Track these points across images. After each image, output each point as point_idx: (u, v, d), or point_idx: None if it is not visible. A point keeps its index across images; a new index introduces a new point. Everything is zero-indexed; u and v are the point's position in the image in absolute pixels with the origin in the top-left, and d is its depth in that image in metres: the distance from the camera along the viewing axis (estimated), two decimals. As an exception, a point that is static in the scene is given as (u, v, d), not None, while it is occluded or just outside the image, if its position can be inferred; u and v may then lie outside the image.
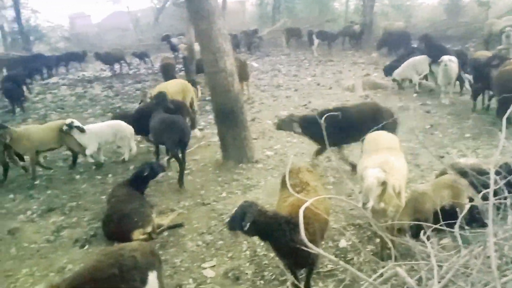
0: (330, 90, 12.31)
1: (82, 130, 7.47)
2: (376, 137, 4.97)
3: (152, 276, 3.19)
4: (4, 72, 15.12)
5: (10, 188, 7.39)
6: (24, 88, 13.26)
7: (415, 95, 11.05)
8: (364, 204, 3.69)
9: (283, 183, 4.45)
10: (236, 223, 3.53)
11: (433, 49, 11.46)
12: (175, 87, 9.41)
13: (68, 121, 7.55)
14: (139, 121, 7.90)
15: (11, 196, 7.05)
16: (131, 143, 8.03)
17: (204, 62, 7.12)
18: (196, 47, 13.51)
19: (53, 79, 17.60)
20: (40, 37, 22.40)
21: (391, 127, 5.82)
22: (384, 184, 3.89)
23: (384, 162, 4.18)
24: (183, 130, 6.72)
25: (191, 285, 4.50)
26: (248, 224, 3.28)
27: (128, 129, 7.91)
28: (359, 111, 6.64)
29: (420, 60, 11.17)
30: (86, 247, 5.37)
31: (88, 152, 7.68)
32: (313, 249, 2.31)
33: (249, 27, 23.52)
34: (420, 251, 2.89)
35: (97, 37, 24.62)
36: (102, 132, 7.76)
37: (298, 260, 3.64)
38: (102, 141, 7.81)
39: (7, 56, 18.11)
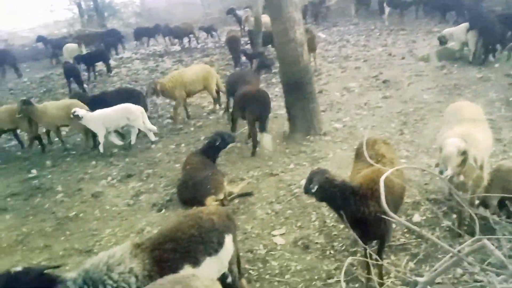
0: (403, 60, 11.70)
1: (79, 118, 7.56)
2: (459, 108, 4.68)
3: (228, 239, 3.32)
4: (83, 48, 16.07)
5: (92, 155, 7.96)
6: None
7: (497, 65, 10.19)
8: (441, 172, 3.53)
9: (357, 155, 4.38)
10: (306, 187, 3.60)
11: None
12: (193, 75, 9.16)
13: (72, 110, 7.62)
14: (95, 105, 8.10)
15: (93, 163, 7.61)
16: (146, 122, 7.93)
17: (274, 32, 7.06)
18: (264, 19, 13.50)
19: (127, 54, 18.43)
20: (114, 13, 23.48)
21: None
22: (464, 154, 3.68)
23: (465, 133, 3.94)
24: (264, 104, 6.81)
25: (262, 251, 4.62)
26: (315, 187, 3.32)
27: (138, 110, 7.83)
28: None
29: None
30: (163, 211, 5.69)
31: (99, 139, 7.84)
32: (394, 218, 2.25)
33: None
34: (503, 227, 2.74)
35: (166, 11, 25.24)
36: (109, 117, 7.72)
37: (368, 231, 3.59)
38: (111, 126, 7.82)
39: (84, 32, 19.20)
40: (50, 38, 18.63)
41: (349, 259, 2.94)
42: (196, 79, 9.11)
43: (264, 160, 6.80)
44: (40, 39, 18.24)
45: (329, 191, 3.42)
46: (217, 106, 9.63)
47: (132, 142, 8.08)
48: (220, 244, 3.22)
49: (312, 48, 11.03)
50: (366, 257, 3.60)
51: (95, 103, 8.27)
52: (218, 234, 3.22)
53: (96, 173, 7.13)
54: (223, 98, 9.51)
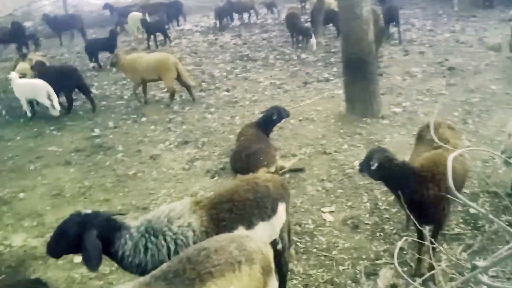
0: (471, 48, 11.07)
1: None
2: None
3: (282, 207, 3.37)
4: (147, 17, 16.52)
5: (151, 120, 8.27)
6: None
7: None
8: (508, 159, 3.38)
9: (419, 137, 4.28)
10: (364, 165, 3.57)
11: None
12: (146, 63, 8.79)
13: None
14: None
15: (152, 127, 7.91)
16: (53, 99, 8.37)
17: (339, 8, 6.94)
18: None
19: (188, 26, 18.74)
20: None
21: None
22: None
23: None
24: None
25: (310, 226, 4.66)
26: (375, 165, 3.28)
27: (44, 87, 8.28)
28: None
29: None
30: (216, 178, 5.86)
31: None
32: (460, 199, 2.19)
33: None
34: None
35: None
36: (23, 88, 8.48)
37: (425, 214, 3.53)
38: (26, 96, 8.55)
39: (149, 2, 19.64)
40: (116, 6, 19.28)
41: (404, 239, 2.92)
42: (147, 68, 8.76)
43: (317, 138, 6.78)
44: (106, 6, 18.94)
45: (389, 170, 3.39)
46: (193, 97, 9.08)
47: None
48: (274, 210, 3.28)
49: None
50: (420, 240, 3.55)
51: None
52: (272, 201, 3.28)
53: (155, 137, 7.42)
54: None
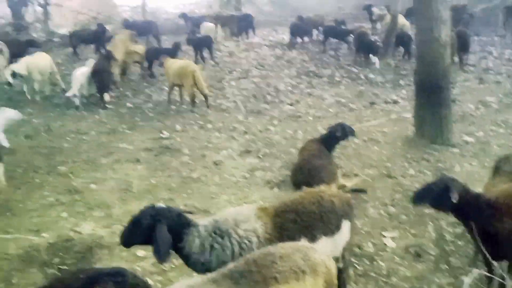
0: (556, 81, 10.38)
1: None
2: None
3: (346, 225, 3.34)
4: (219, 28, 17.13)
5: (216, 127, 8.51)
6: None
7: None
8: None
9: (495, 170, 4.09)
10: (431, 194, 3.38)
11: None
12: (175, 68, 9.55)
13: None
14: None
15: (217, 134, 8.14)
16: None
17: (417, 29, 6.79)
18: (400, 19, 12.99)
19: (256, 39, 19.12)
20: (251, -2, 24.63)
21: None
22: None
23: None
24: None
25: (370, 249, 4.56)
26: (455, 197, 3.13)
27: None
28: None
29: None
30: (275, 189, 5.92)
31: None
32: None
33: (459, 1, 21.12)
34: None
35: (299, 1, 25.58)
36: None
37: (498, 248, 3.32)
38: None
39: (221, 14, 20.32)
40: (191, 15, 20.14)
41: (473, 274, 2.78)
42: (174, 74, 9.51)
43: (381, 161, 6.63)
44: (182, 15, 19.84)
45: (464, 201, 3.22)
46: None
47: None
48: (338, 227, 3.26)
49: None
50: (490, 275, 3.35)
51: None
52: (336, 217, 3.26)
53: (219, 144, 7.62)
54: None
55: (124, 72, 12.02)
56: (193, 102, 9.55)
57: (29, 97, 10.20)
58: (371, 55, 12.41)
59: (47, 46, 17.95)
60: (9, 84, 9.71)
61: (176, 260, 4.08)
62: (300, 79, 11.73)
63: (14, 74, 9.66)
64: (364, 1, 22.30)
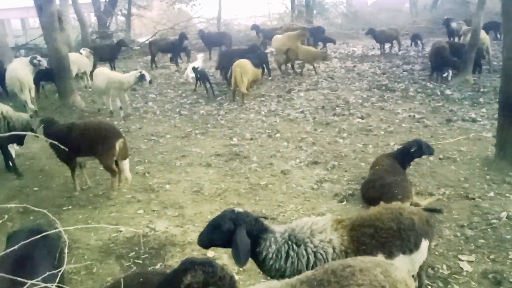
0: None
1: None
2: None
3: (425, 244, 3.22)
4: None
5: (284, 137, 8.58)
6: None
7: None
8: None
9: None
10: None
11: None
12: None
13: None
14: None
15: (285, 144, 8.20)
16: None
17: (504, 45, 6.39)
18: (482, 34, 12.30)
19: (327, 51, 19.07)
20: (323, 11, 24.54)
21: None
22: None
23: None
24: None
25: (445, 271, 4.33)
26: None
27: None
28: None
29: None
30: (344, 203, 5.82)
31: None
32: None
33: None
34: None
35: (371, 15, 25.18)
36: None
37: None
38: None
39: (292, 26, 20.51)
40: (262, 28, 20.57)
41: None
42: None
43: (458, 181, 6.30)
44: (254, 27, 20.32)
45: None
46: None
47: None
48: (416, 246, 3.15)
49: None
50: None
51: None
52: (416, 235, 3.15)
53: (287, 153, 7.67)
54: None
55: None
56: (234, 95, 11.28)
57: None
58: (448, 71, 11.89)
59: (128, 54, 19.24)
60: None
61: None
62: (371, 92, 11.50)
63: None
64: (440, 15, 21.50)
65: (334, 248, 2.96)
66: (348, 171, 6.86)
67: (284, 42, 13.92)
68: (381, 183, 5.45)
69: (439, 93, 11.04)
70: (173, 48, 16.74)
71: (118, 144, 5.98)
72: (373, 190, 5.50)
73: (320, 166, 7.11)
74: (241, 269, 4.35)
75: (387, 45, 17.93)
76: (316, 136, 8.55)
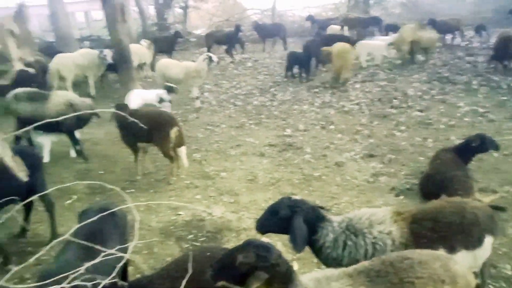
0: None
1: None
2: None
3: (488, 241, 3.11)
4: (346, 29, 16.99)
5: (339, 129, 8.50)
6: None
7: None
8: None
9: None
10: None
11: None
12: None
13: None
14: None
15: (339, 135, 8.13)
16: None
17: None
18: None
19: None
20: (380, 1, 23.78)
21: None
22: None
23: None
24: None
25: (508, 271, 4.16)
26: None
27: None
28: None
29: None
30: (401, 197, 5.70)
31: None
32: None
33: None
34: None
35: (431, 5, 24.02)
36: None
37: None
38: None
39: (348, 17, 20.07)
40: (317, 18, 20.30)
41: None
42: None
43: (525, 179, 5.96)
44: (309, 18, 20.10)
45: None
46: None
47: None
48: (480, 241, 3.05)
49: None
50: None
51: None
52: (479, 231, 3.05)
53: (341, 145, 7.60)
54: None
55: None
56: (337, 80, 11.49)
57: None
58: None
59: (185, 45, 19.75)
60: None
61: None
62: (431, 85, 11.06)
63: None
64: (506, 5, 20.11)
65: (393, 240, 2.93)
66: (405, 165, 6.69)
67: (409, 34, 13.67)
68: (441, 178, 5.25)
69: (505, 86, 10.41)
70: (229, 39, 16.97)
71: (174, 132, 6.21)
72: (432, 185, 5.31)
73: (376, 159, 6.98)
74: (295, 256, 4.41)
75: (448, 36, 17.09)
76: (372, 128, 8.39)
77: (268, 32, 18.43)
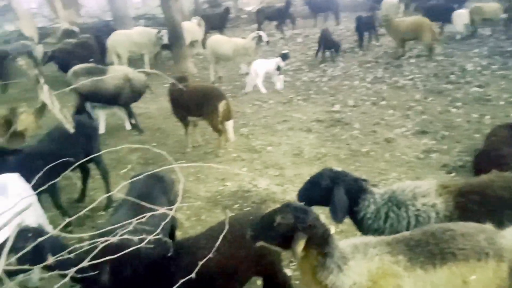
0: None
1: None
2: None
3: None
4: (402, 5, 16.21)
5: (391, 104, 8.25)
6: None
7: None
8: None
9: None
10: None
11: None
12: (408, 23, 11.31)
13: None
14: None
15: (391, 111, 7.90)
16: None
17: None
18: None
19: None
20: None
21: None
22: None
23: None
24: None
25: None
26: None
27: None
28: None
29: None
30: (453, 174, 5.51)
31: None
32: None
33: None
34: None
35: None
36: None
37: None
38: None
39: None
40: (371, -8, 19.50)
41: None
42: (407, 29, 11.33)
43: None
44: (362, -9, 19.40)
45: None
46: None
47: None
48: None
49: None
50: None
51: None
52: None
53: (392, 121, 7.41)
54: None
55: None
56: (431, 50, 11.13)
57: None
58: None
59: (236, 22, 19.79)
60: None
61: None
62: (492, 60, 10.38)
63: None
64: None
65: (437, 213, 2.88)
66: (460, 142, 6.42)
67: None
68: (496, 154, 4.99)
69: None
70: (279, 15, 16.78)
71: (221, 106, 6.35)
72: (487, 162, 5.04)
73: (429, 135, 6.75)
74: (337, 229, 4.44)
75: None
76: (425, 104, 8.07)
77: (320, 7, 17.97)
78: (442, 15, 13.16)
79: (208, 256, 2.41)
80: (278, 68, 9.62)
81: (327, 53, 12.03)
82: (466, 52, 11.34)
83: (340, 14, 17.91)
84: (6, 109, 6.12)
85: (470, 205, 2.89)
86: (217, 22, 15.63)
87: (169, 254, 2.81)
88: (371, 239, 2.49)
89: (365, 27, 13.01)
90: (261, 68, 9.58)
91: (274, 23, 17.36)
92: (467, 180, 3.21)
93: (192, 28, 13.63)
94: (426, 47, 11.23)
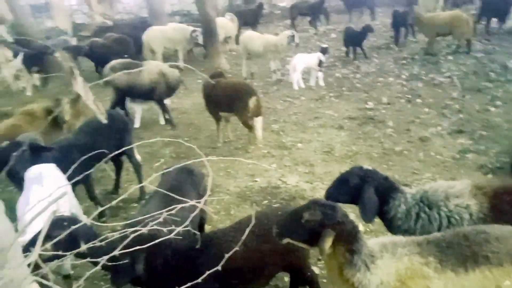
0: None
1: None
2: None
3: None
4: (441, 1, 15.70)
5: (426, 103, 8.04)
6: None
7: None
8: None
9: None
10: None
11: None
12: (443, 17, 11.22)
13: None
14: None
15: (426, 109, 7.71)
16: None
17: None
18: None
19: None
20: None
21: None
22: None
23: None
24: None
25: None
26: None
27: None
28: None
29: None
30: (490, 175, 5.31)
31: None
32: None
33: None
34: None
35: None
36: None
37: None
38: None
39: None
40: (409, -14, 18.95)
41: None
42: (441, 23, 11.16)
43: None
44: (399, -14, 18.87)
45: None
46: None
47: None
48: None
49: None
50: None
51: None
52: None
53: (427, 120, 7.21)
54: None
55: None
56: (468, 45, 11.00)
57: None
58: None
59: (269, 18, 19.74)
60: None
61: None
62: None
63: None
64: None
65: (471, 215, 2.79)
66: (498, 142, 6.19)
67: None
68: (537, 157, 4.82)
69: None
70: (313, 11, 16.62)
71: (252, 102, 6.35)
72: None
73: (465, 135, 6.54)
74: (368, 229, 4.38)
75: None
76: (463, 103, 7.82)
77: (355, 2, 17.66)
78: (500, 10, 12.45)
79: (234, 249, 2.43)
80: (320, 63, 9.53)
81: (358, 50, 11.81)
82: (507, 48, 10.88)
83: (376, 9, 17.55)
84: (50, 101, 6.39)
85: (506, 207, 2.78)
86: (250, 18, 15.64)
87: (197, 246, 2.85)
88: (400, 238, 2.44)
89: (402, 22, 12.68)
90: (301, 63, 9.55)
91: (308, 18, 17.20)
92: (503, 181, 3.08)
93: (225, 24, 13.70)
94: (462, 42, 11.05)
